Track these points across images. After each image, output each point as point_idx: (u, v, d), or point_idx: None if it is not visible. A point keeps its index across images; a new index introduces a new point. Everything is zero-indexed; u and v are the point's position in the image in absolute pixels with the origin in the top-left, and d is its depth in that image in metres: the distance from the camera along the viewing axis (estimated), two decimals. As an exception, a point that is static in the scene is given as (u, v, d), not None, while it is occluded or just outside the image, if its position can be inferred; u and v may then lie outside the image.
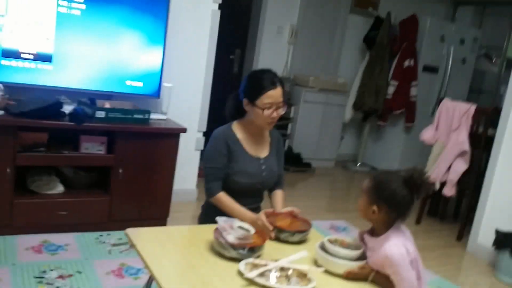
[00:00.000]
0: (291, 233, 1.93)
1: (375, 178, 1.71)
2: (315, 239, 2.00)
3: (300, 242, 1.94)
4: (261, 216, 1.98)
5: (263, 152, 2.23)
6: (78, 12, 2.86)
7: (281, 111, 2.11)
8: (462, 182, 3.79)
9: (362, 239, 1.81)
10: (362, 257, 1.74)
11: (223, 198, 2.10)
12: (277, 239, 1.94)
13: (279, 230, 1.94)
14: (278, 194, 2.30)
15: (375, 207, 1.67)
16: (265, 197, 2.33)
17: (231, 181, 2.14)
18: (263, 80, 2.08)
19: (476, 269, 3.27)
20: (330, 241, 1.78)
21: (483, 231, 3.47)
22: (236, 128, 2.19)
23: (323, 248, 1.76)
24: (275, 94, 2.06)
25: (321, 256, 1.74)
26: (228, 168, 2.13)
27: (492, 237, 3.23)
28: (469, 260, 3.42)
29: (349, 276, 1.67)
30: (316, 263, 1.75)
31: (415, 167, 1.71)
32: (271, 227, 1.93)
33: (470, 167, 3.73)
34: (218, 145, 2.13)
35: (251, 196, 2.21)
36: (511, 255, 3.02)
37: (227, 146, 2.13)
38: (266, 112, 2.06)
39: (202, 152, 3.57)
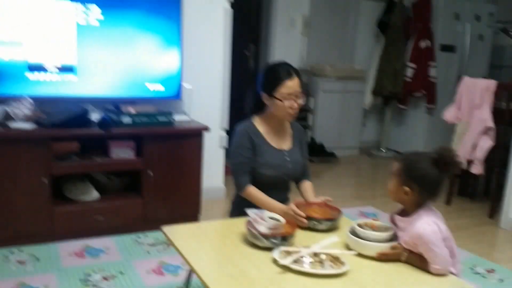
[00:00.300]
0: (319, 221, 1.98)
1: (404, 160, 1.74)
2: (346, 227, 2.04)
3: (330, 230, 1.99)
4: (292, 206, 2.03)
5: (286, 144, 2.27)
6: (96, 23, 2.95)
7: (301, 101, 2.15)
8: (490, 159, 3.76)
9: (393, 220, 1.84)
10: (393, 238, 1.78)
11: (253, 192, 2.16)
12: (307, 227, 1.99)
13: (307, 218, 1.99)
14: (307, 185, 2.34)
15: (407, 188, 1.70)
16: (294, 189, 2.37)
17: (258, 174, 2.19)
18: (279, 72, 2.13)
19: (510, 245, 3.25)
20: (360, 225, 1.81)
21: (515, 206, 3.45)
22: (258, 123, 2.24)
23: (353, 232, 1.81)
24: (292, 84, 2.11)
25: (352, 240, 1.77)
26: (254, 162, 2.19)
27: (524, 211, 3.22)
28: (503, 236, 3.40)
29: (382, 258, 1.70)
30: (347, 248, 1.79)
31: (443, 146, 1.75)
32: (303, 214, 1.98)
33: (496, 144, 3.70)
34: (241, 139, 2.18)
35: (278, 188, 2.26)
36: (545, 227, 3.00)
37: (251, 139, 2.18)
38: (286, 103, 2.10)
39: (227, 150, 3.64)
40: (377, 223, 1.86)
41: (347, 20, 5.77)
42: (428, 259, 1.64)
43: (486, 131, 3.68)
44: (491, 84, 3.71)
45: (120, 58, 3.06)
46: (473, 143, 3.75)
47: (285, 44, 5.39)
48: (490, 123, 3.65)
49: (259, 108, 2.28)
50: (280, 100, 2.11)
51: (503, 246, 3.22)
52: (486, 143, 3.67)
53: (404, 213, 1.80)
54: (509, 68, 6.19)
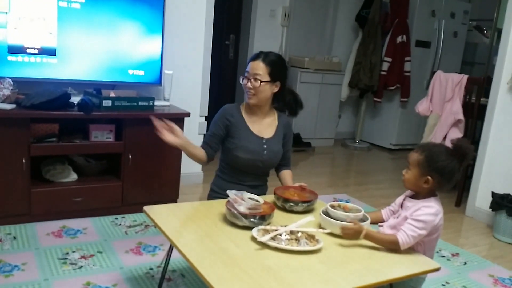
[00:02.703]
0: (296, 202, 2.07)
1: (425, 151, 1.81)
2: (321, 208, 2.13)
3: (306, 211, 2.08)
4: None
5: (267, 133, 2.34)
6: (78, 6, 2.94)
7: (255, 83, 2.21)
8: (458, 150, 3.92)
9: (402, 203, 1.90)
10: (364, 220, 1.87)
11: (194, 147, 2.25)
12: (284, 209, 2.07)
13: (285, 200, 2.08)
14: (287, 173, 2.45)
15: (428, 178, 1.78)
16: (273, 177, 2.45)
17: (233, 155, 2.27)
18: (252, 54, 2.28)
19: (475, 231, 3.42)
20: (333, 206, 1.91)
21: (480, 195, 3.62)
22: (244, 107, 2.34)
23: (325, 213, 1.90)
24: (253, 65, 2.23)
25: (323, 219, 1.87)
26: (230, 143, 2.27)
27: (489, 200, 3.37)
28: (468, 224, 3.57)
29: (344, 231, 1.76)
30: (321, 227, 1.88)
31: (460, 138, 1.85)
32: (171, 123, 2.10)
33: (465, 136, 3.86)
34: (219, 117, 2.31)
35: (252, 173, 2.34)
36: (508, 215, 3.17)
37: (228, 121, 2.27)
38: (243, 81, 2.24)
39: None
40: (349, 205, 1.96)
41: (327, 13, 5.86)
42: (406, 230, 1.72)
43: (456, 123, 3.84)
44: (463, 78, 3.86)
45: (101, 42, 3.06)
46: (443, 134, 3.91)
47: (265, 35, 5.44)
48: (461, 115, 3.80)
49: None
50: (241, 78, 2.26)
51: (467, 233, 3.39)
52: (456, 135, 3.82)
53: (415, 197, 1.88)
54: (480, 65, 6.41)
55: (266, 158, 2.32)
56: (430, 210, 1.76)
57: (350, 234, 1.77)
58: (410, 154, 1.85)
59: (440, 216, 1.79)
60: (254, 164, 2.30)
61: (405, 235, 1.72)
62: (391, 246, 1.73)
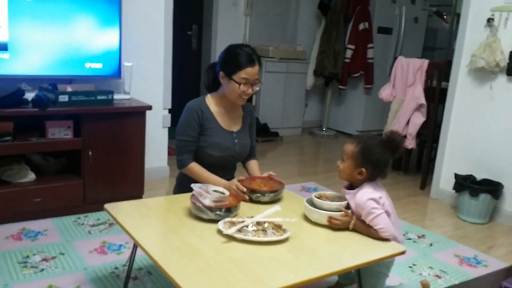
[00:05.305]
0: (262, 193, 2.04)
1: (359, 143, 1.84)
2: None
3: (273, 201, 2.05)
4: (235, 181, 2.07)
5: (236, 126, 2.29)
6: (28, -3, 2.80)
7: (256, 87, 2.18)
8: (422, 134, 3.99)
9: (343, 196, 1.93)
10: (348, 207, 1.87)
11: (196, 168, 2.17)
12: (251, 200, 2.04)
13: (251, 191, 2.04)
14: (253, 163, 2.39)
15: (362, 170, 1.81)
16: (240, 169, 2.41)
17: (205, 154, 2.20)
18: (241, 56, 2.12)
19: (440, 213, 3.49)
20: (316, 197, 1.89)
21: (444, 177, 3.69)
22: (210, 101, 2.24)
23: (311, 204, 1.87)
24: (252, 71, 2.12)
25: (310, 210, 1.84)
26: (201, 141, 2.19)
27: (452, 182, 3.44)
28: (433, 205, 3.64)
29: (332, 222, 1.78)
30: (305, 219, 1.86)
31: (392, 131, 1.89)
32: (244, 189, 2.03)
33: (427, 120, 3.93)
34: (190, 117, 2.18)
35: (224, 169, 2.28)
36: (470, 195, 3.24)
37: (199, 119, 2.18)
38: (242, 87, 2.12)
39: (170, 130, 3.61)
40: (328, 193, 1.96)
41: (290, 1, 5.83)
42: (371, 223, 1.74)
43: (418, 108, 3.90)
44: (424, 63, 3.91)
45: (56, 35, 2.93)
46: (406, 119, 3.96)
47: (228, 24, 5.37)
48: (423, 100, 3.86)
49: (214, 85, 2.27)
50: (237, 83, 2.12)
51: (433, 215, 3.46)
52: (419, 119, 3.89)
53: (351, 187, 1.90)
54: (441, 50, 6.54)
55: (237, 152, 2.27)
56: (365, 196, 1.78)
57: (339, 225, 1.78)
58: (346, 146, 1.89)
59: (380, 195, 1.80)
60: (227, 159, 2.25)
61: (379, 230, 1.73)
62: (379, 237, 1.74)
